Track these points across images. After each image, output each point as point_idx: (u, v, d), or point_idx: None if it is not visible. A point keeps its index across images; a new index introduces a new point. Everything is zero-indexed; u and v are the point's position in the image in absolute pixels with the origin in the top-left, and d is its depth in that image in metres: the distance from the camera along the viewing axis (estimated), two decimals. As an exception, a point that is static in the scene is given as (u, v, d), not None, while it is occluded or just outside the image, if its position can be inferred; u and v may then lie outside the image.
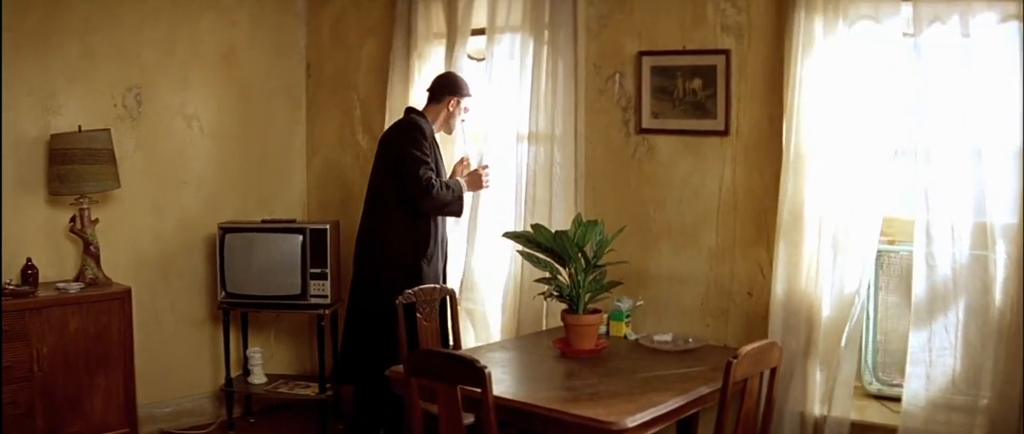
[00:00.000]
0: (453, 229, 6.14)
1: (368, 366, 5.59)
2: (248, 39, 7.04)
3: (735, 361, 3.87)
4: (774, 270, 4.95)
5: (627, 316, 5.33)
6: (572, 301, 4.80)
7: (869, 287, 4.83)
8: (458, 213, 5.77)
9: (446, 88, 5.81)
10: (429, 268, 5.69)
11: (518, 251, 5.16)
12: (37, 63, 6.02)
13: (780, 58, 4.96)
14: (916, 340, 4.61)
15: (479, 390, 3.88)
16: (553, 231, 4.74)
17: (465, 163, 5.94)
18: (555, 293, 4.83)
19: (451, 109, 5.77)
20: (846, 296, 4.81)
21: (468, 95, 5.81)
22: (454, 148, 6.16)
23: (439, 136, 5.93)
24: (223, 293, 6.60)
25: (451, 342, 5.71)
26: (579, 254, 4.72)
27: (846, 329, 4.80)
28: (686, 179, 5.40)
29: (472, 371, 3.88)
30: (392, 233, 5.68)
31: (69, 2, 6.14)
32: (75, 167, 5.89)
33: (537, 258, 4.86)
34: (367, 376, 5.66)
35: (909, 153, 4.65)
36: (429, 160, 5.59)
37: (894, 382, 4.95)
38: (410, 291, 5.38)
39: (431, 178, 5.53)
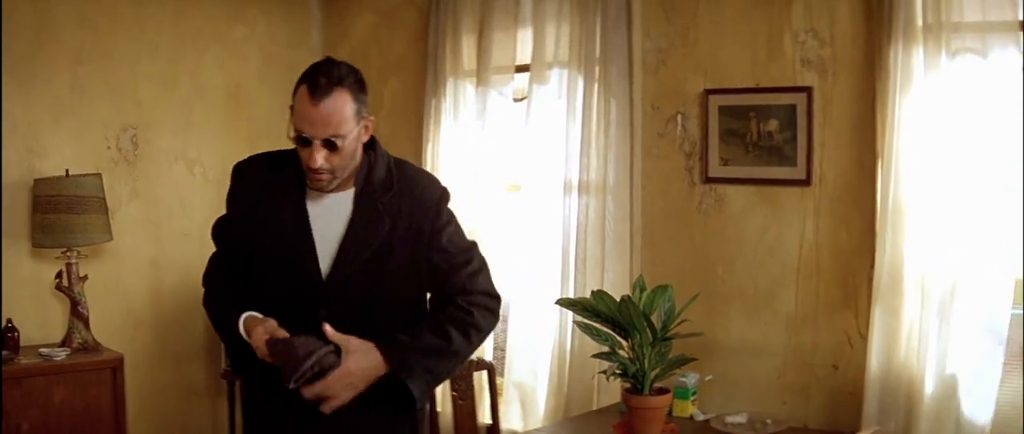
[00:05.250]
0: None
1: None
2: (257, 76, 6.58)
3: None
4: (870, 341, 4.47)
5: (693, 393, 4.76)
6: (635, 379, 4.18)
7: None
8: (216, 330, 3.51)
9: None
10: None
11: (575, 322, 4.56)
12: (21, 98, 5.59)
13: (871, 96, 4.54)
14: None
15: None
16: (618, 299, 4.11)
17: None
18: (618, 371, 4.21)
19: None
20: (949, 374, 4.29)
21: (300, 84, 3.17)
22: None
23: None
24: (228, 361, 5.97)
25: (490, 421, 5.16)
26: (645, 325, 4.10)
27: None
28: (761, 235, 4.92)
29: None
30: None
31: (58, 30, 5.70)
32: (61, 217, 5.40)
33: (597, 330, 4.24)
34: None
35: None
36: (221, 238, 3.56)
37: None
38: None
39: (210, 263, 3.62)
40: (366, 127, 3.22)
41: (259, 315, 3.18)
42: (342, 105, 3.10)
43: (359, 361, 3.10)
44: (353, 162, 3.23)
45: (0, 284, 5.41)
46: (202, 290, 3.53)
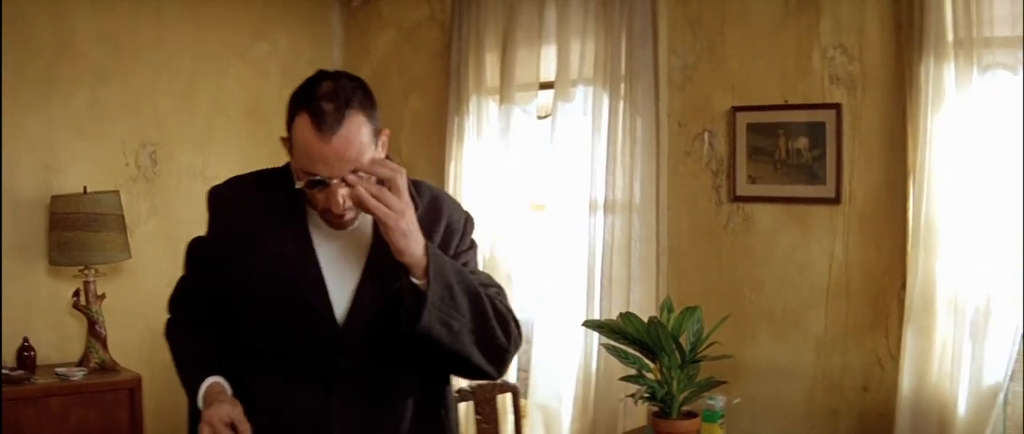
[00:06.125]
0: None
1: None
2: (278, 93, 6.37)
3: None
4: (901, 362, 4.36)
5: (721, 417, 4.61)
6: (663, 403, 4.10)
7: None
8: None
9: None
10: None
11: (603, 344, 4.48)
12: (39, 114, 5.54)
13: (902, 113, 4.45)
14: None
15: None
16: (645, 320, 4.03)
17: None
18: (646, 395, 4.13)
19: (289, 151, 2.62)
20: (985, 391, 4.19)
21: (298, 113, 2.50)
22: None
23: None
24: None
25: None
26: (674, 347, 4.02)
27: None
28: (789, 255, 4.82)
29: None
30: None
31: (78, 46, 5.66)
32: (79, 234, 5.33)
33: (624, 352, 4.16)
34: None
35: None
36: (200, 261, 2.91)
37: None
38: (466, 387, 4.69)
39: (178, 288, 3.02)
40: (383, 143, 2.60)
41: (226, 386, 2.67)
42: (357, 131, 2.46)
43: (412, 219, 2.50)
44: None
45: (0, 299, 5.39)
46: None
